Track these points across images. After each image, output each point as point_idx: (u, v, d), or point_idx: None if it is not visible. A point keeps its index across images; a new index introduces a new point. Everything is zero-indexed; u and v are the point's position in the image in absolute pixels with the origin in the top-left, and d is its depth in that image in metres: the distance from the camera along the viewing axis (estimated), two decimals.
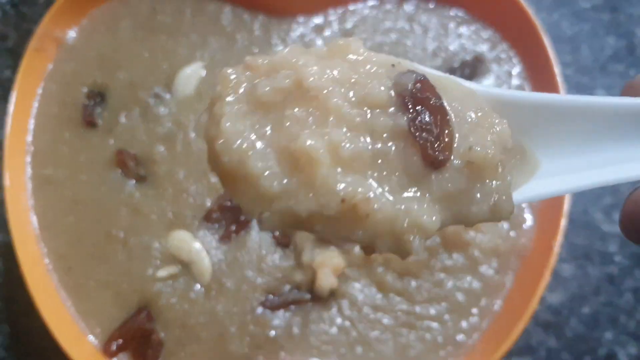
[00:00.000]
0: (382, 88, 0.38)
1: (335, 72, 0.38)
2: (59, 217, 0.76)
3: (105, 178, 0.77)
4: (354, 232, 0.37)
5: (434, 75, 0.40)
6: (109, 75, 0.81)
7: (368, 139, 0.37)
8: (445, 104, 0.38)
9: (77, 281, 0.74)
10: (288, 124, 0.37)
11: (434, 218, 0.37)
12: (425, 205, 0.37)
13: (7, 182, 0.75)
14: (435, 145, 0.37)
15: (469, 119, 0.39)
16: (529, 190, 0.41)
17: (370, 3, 0.84)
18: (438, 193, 0.37)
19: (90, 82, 0.81)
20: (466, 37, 0.82)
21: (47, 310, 0.70)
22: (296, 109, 0.37)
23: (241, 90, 0.39)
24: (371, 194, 0.36)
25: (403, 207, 0.36)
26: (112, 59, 0.82)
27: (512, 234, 0.75)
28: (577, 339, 0.79)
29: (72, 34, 0.83)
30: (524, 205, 0.76)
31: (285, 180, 0.36)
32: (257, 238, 0.75)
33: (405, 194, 0.37)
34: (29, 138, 0.79)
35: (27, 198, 0.77)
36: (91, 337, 0.72)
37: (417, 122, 0.37)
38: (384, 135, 0.37)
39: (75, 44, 0.83)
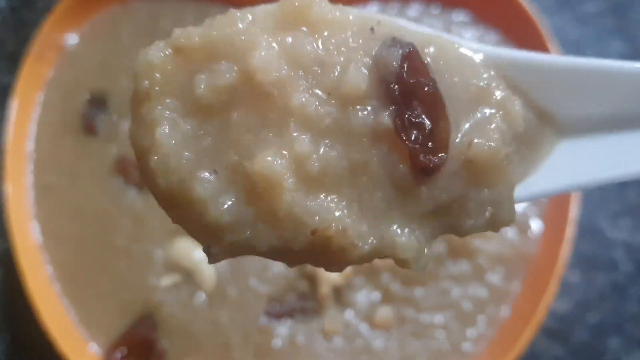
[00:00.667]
0: (359, 73, 0.29)
1: (293, 53, 0.29)
2: (62, 225, 0.76)
3: (107, 185, 0.77)
4: (327, 265, 0.30)
5: (425, 36, 0.32)
6: (110, 81, 0.81)
7: (342, 148, 0.29)
8: (441, 83, 0.30)
9: (80, 289, 0.74)
10: (237, 133, 0.29)
11: (425, 251, 0.31)
12: (412, 234, 0.30)
13: (8, 190, 0.74)
14: (429, 145, 0.29)
15: (470, 98, 0.31)
16: (536, 183, 0.34)
17: (373, 8, 0.83)
18: (428, 207, 0.31)
19: (92, 88, 0.81)
20: (469, 40, 0.81)
21: (49, 318, 0.70)
22: (246, 113, 0.29)
23: (173, 87, 0.30)
24: (348, 223, 0.28)
25: (386, 237, 0.30)
26: (113, 65, 0.82)
27: (518, 241, 0.75)
28: (583, 346, 0.79)
29: (72, 40, 0.82)
30: (530, 212, 0.76)
31: (239, 209, 0.29)
32: None
33: (390, 218, 0.30)
34: (30, 145, 0.79)
35: (28, 206, 0.76)
36: (94, 345, 0.72)
37: (405, 118, 0.29)
38: (363, 139, 0.29)
39: (76, 50, 0.82)
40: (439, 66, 0.31)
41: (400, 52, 0.30)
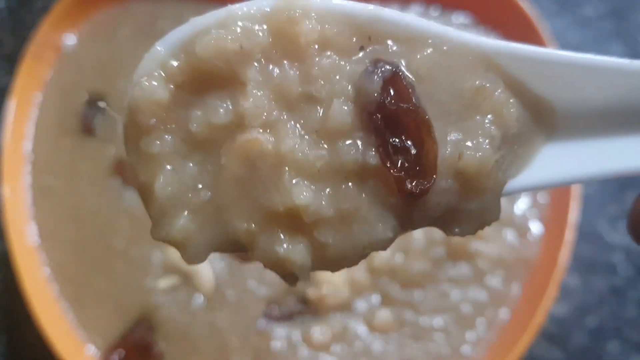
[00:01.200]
0: (342, 108, 0.29)
1: (281, 90, 0.29)
2: (59, 226, 0.75)
3: (105, 187, 0.76)
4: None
5: (423, 35, 0.31)
6: (109, 82, 0.80)
7: (335, 191, 0.30)
8: (433, 92, 0.30)
9: (77, 291, 0.73)
10: (230, 185, 0.30)
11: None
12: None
13: (6, 191, 0.74)
14: (416, 169, 0.29)
15: (464, 103, 0.31)
16: (528, 176, 0.34)
17: None
18: (419, 224, 0.31)
19: (90, 89, 0.80)
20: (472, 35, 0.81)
21: (46, 320, 0.69)
22: (237, 164, 0.29)
23: (171, 125, 0.30)
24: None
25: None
26: (112, 66, 0.81)
27: (518, 244, 0.74)
28: (582, 351, 0.78)
29: (70, 40, 0.82)
30: (530, 215, 0.75)
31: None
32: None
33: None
34: (28, 147, 0.78)
35: (26, 207, 0.76)
36: (91, 348, 0.71)
37: (389, 146, 0.29)
38: (354, 177, 0.29)
39: (74, 51, 0.82)
40: (433, 72, 0.31)
41: (381, 77, 0.29)
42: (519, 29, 0.78)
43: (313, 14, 0.30)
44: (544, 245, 0.74)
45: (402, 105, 0.29)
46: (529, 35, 0.77)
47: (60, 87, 0.81)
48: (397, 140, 0.29)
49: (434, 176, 0.29)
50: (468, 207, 0.31)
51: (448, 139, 0.30)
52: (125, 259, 0.73)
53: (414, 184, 0.29)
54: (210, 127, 0.30)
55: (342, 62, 0.30)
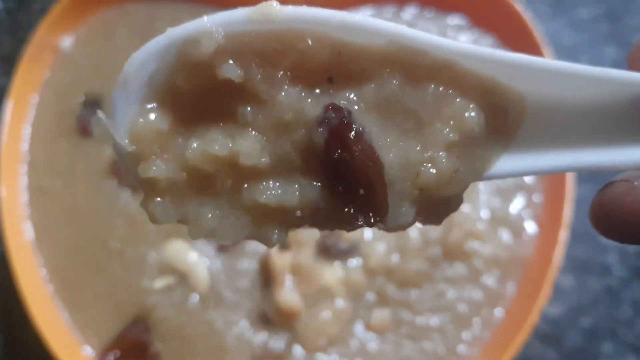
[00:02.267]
0: (298, 149, 0.31)
1: (266, 136, 0.31)
2: (55, 227, 0.75)
3: (101, 187, 0.76)
4: None
5: (393, 54, 0.32)
6: (105, 84, 0.80)
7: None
8: (394, 115, 0.32)
9: (73, 292, 0.73)
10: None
11: None
12: None
13: (2, 192, 0.74)
14: (367, 208, 0.31)
15: (423, 111, 0.32)
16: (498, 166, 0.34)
17: (369, 12, 0.83)
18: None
19: (87, 90, 0.80)
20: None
21: (42, 321, 0.69)
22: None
23: (167, 155, 0.32)
24: None
25: None
26: (108, 67, 0.81)
27: (513, 244, 0.75)
28: (576, 351, 0.78)
29: (68, 42, 0.82)
30: (524, 215, 0.75)
31: None
32: (255, 247, 0.73)
33: None
34: (25, 147, 0.78)
35: (22, 208, 0.76)
36: (87, 348, 0.71)
37: (340, 193, 0.31)
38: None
39: (71, 52, 0.82)
40: (392, 92, 0.32)
41: (327, 128, 0.30)
42: (513, 31, 0.78)
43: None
44: (539, 246, 0.74)
45: (345, 155, 0.30)
46: (523, 37, 0.77)
47: (57, 88, 0.81)
48: (346, 186, 0.31)
49: (387, 209, 0.31)
50: (430, 211, 0.32)
51: (407, 157, 0.32)
52: (121, 259, 0.73)
53: (365, 219, 0.31)
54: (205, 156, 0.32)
55: (306, 97, 0.32)
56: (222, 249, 0.73)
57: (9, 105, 0.76)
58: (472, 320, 0.72)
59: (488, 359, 0.69)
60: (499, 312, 0.72)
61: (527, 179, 0.77)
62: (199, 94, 0.32)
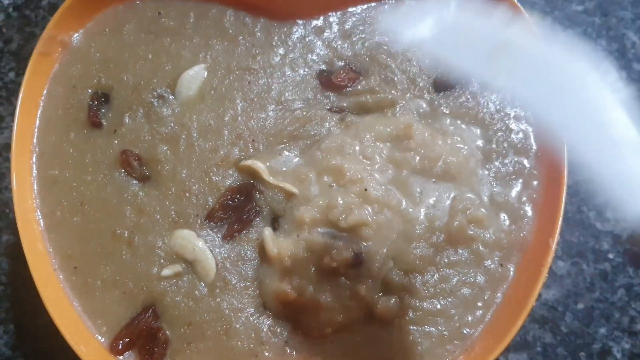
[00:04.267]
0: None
1: None
2: (65, 217, 0.73)
3: (110, 178, 0.74)
4: None
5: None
6: (114, 77, 0.78)
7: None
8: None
9: (84, 281, 0.71)
10: None
11: None
12: None
13: (14, 183, 0.72)
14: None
15: None
16: None
17: (370, 5, 0.82)
18: None
19: (95, 83, 0.78)
20: None
21: (54, 309, 0.67)
22: None
23: None
24: None
25: None
26: (117, 61, 0.79)
27: (513, 229, 0.73)
28: (572, 334, 0.78)
29: (77, 36, 0.80)
30: (524, 198, 0.75)
31: None
32: (260, 236, 0.72)
33: None
34: (35, 139, 0.76)
35: (33, 199, 0.74)
36: (98, 336, 0.69)
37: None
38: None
39: (80, 47, 0.80)
40: None
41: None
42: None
43: None
44: (536, 231, 0.72)
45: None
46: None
47: (67, 82, 0.78)
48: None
49: None
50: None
51: None
52: (129, 248, 0.71)
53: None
54: None
55: None
56: (227, 237, 0.72)
57: (20, 98, 0.74)
58: (476, 303, 0.70)
59: (491, 339, 0.68)
60: (500, 294, 0.71)
61: (526, 165, 0.76)
62: None
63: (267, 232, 0.70)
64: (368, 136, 0.74)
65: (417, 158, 0.72)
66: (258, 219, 0.72)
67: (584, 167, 0.83)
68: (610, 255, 0.81)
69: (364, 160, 0.72)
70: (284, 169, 0.74)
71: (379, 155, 0.72)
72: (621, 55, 0.88)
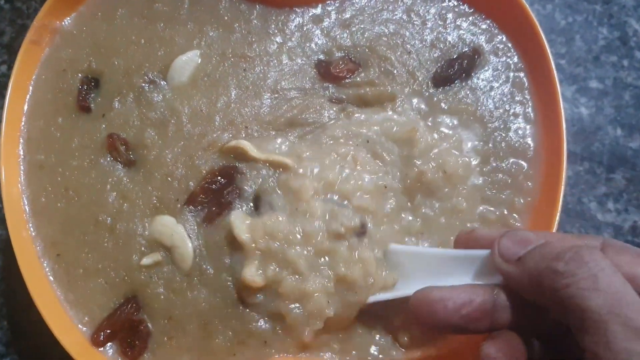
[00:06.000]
0: None
1: None
2: (50, 203, 0.67)
3: (95, 163, 0.68)
4: None
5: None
6: (105, 61, 0.72)
7: None
8: None
9: (67, 269, 0.65)
10: None
11: None
12: None
13: (2, 172, 0.67)
14: None
15: None
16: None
17: None
18: None
19: (86, 68, 0.72)
20: (464, 28, 0.75)
21: (40, 300, 0.63)
22: None
23: None
24: None
25: None
26: (108, 45, 0.73)
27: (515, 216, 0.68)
28: None
29: (68, 20, 0.76)
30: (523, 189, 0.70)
31: None
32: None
33: None
34: (23, 124, 0.71)
35: (19, 185, 0.69)
36: (80, 326, 0.64)
37: None
38: None
39: (71, 30, 0.73)
40: None
41: None
42: (511, 14, 0.72)
43: None
44: (534, 220, 0.68)
45: None
46: (520, 20, 0.71)
47: (57, 66, 0.72)
48: None
49: None
50: None
51: None
52: (112, 236, 0.66)
53: None
54: None
55: None
56: (205, 221, 0.65)
57: (10, 86, 0.69)
58: None
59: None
60: None
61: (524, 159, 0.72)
62: None
63: (234, 215, 0.62)
64: (374, 130, 0.70)
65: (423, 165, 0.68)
66: (237, 200, 0.65)
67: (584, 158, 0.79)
68: None
69: (375, 160, 0.68)
70: (277, 150, 0.69)
71: (388, 154, 0.68)
72: (623, 43, 0.84)
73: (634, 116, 0.79)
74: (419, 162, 0.67)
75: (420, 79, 0.72)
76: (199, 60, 0.73)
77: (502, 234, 0.47)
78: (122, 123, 0.70)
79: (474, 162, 0.69)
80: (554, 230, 0.64)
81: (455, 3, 0.75)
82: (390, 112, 0.70)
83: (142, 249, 0.65)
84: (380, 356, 0.64)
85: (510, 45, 0.74)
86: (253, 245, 0.60)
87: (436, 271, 0.54)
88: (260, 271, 0.60)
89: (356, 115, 0.71)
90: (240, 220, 0.61)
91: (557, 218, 0.65)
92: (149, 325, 0.64)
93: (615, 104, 0.80)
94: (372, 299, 0.59)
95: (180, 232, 0.64)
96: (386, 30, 0.75)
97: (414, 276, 0.57)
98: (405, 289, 0.55)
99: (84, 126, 0.70)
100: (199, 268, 0.64)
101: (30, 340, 0.73)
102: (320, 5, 0.76)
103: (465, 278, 0.51)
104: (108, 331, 0.63)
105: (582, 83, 0.81)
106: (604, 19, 0.83)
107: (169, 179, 0.67)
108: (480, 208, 0.68)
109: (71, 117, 0.71)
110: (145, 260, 0.64)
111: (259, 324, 0.62)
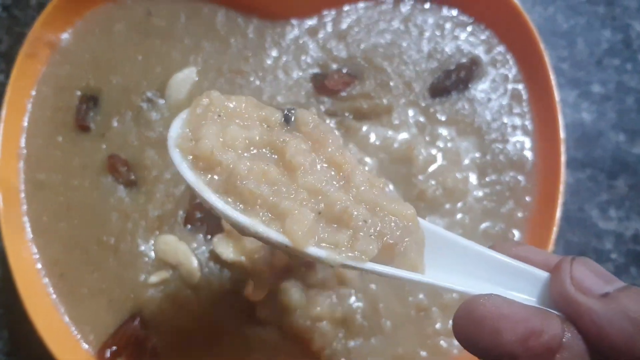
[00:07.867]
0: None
1: None
2: (52, 222, 0.68)
3: (97, 183, 0.68)
4: None
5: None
6: (103, 78, 0.72)
7: None
8: None
9: (70, 288, 0.66)
10: None
11: None
12: None
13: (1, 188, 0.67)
14: None
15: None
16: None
17: (365, 4, 0.76)
18: None
19: (84, 85, 0.72)
20: (462, 38, 0.73)
21: (39, 317, 0.62)
22: None
23: None
24: None
25: None
26: (106, 62, 0.73)
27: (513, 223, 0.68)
28: None
29: (65, 36, 0.74)
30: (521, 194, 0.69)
31: None
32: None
33: None
34: (22, 143, 0.71)
35: (20, 203, 0.69)
36: (85, 345, 0.65)
37: None
38: None
39: (68, 47, 0.74)
40: None
41: None
42: (510, 24, 0.70)
43: None
44: (531, 233, 0.67)
45: None
46: (518, 30, 0.69)
47: (55, 84, 0.72)
48: None
49: None
50: None
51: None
52: (115, 255, 0.66)
53: None
54: None
55: None
56: (208, 235, 0.66)
57: (7, 101, 0.68)
58: None
59: None
60: None
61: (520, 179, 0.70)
62: None
63: (215, 243, 0.64)
64: (371, 142, 0.68)
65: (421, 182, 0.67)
66: None
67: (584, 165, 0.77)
68: (613, 255, 0.74)
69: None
70: None
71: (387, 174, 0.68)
72: (626, 46, 0.81)
73: (637, 121, 0.77)
74: (419, 179, 0.65)
75: (417, 90, 0.71)
76: (196, 77, 0.71)
77: (566, 258, 0.38)
78: (122, 143, 0.70)
79: (473, 176, 0.67)
80: (552, 240, 0.62)
81: (455, 13, 0.72)
82: (386, 129, 0.68)
83: (148, 267, 0.66)
84: None
85: (509, 56, 0.72)
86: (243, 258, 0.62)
87: (471, 272, 0.43)
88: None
89: (354, 130, 0.69)
90: (222, 247, 0.63)
91: (556, 229, 0.63)
92: (156, 340, 0.64)
93: (617, 109, 0.77)
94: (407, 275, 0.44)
95: (183, 250, 0.65)
96: (382, 41, 0.73)
97: (442, 267, 0.44)
98: (436, 279, 0.43)
99: (84, 145, 0.71)
100: (206, 281, 0.65)
101: (31, 350, 0.74)
102: (316, 16, 0.74)
103: (502, 290, 0.41)
104: (114, 348, 0.64)
105: (584, 87, 0.78)
106: (607, 21, 0.80)
107: (170, 198, 0.67)
108: (485, 223, 0.67)
109: (71, 136, 0.71)
110: (153, 279, 0.65)
111: (267, 336, 0.63)
